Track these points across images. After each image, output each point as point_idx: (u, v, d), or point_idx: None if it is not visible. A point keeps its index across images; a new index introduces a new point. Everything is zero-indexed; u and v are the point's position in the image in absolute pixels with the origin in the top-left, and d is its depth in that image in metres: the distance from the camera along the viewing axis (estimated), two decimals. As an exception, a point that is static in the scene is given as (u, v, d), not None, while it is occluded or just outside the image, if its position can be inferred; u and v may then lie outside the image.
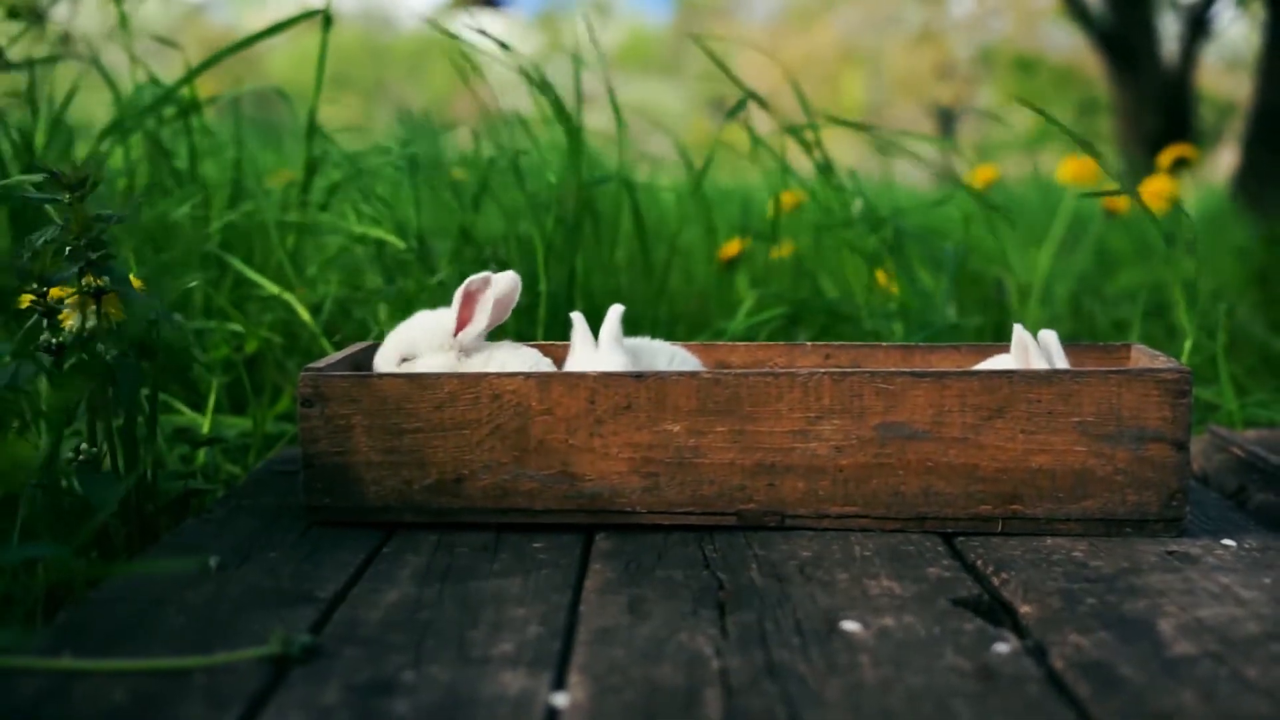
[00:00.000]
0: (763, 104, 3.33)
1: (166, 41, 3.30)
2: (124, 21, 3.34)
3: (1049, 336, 2.08)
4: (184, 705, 1.28)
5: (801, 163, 3.64)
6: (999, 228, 3.69)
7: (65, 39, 3.27)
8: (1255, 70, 10.31)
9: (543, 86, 3.20)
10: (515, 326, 3.09)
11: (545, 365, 2.17)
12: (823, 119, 3.40)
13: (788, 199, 3.79)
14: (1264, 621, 1.52)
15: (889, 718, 1.26)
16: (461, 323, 2.14)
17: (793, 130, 3.35)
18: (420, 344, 2.15)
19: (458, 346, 2.14)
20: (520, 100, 3.49)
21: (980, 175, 4.24)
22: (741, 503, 1.93)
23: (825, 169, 3.40)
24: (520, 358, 2.16)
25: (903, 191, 6.44)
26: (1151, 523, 1.90)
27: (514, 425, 1.94)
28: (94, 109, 3.52)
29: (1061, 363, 2.06)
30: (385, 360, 2.16)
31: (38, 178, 1.95)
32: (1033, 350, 2.02)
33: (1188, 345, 2.71)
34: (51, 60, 3.18)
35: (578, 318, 2.21)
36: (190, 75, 3.03)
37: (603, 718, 1.26)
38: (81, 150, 3.23)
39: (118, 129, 3.12)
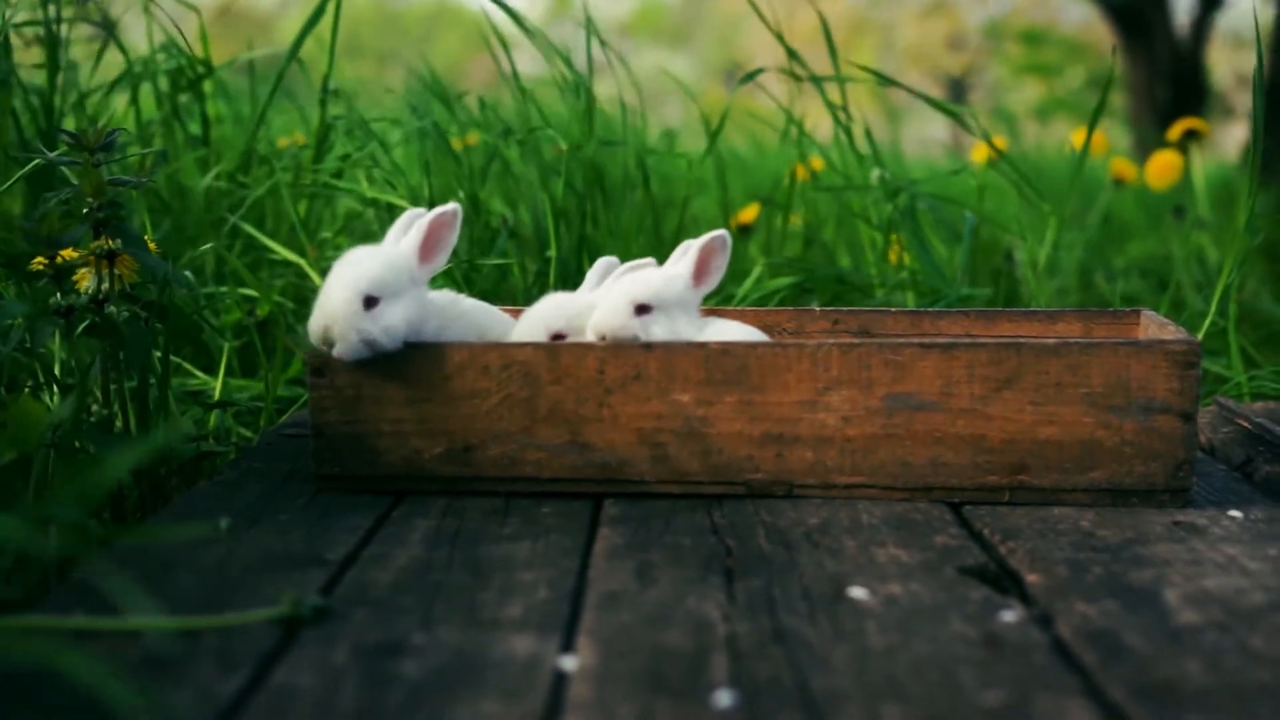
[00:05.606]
0: (793, 54, 3.31)
1: (183, 2, 3.30)
2: None
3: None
4: (195, 665, 1.30)
5: (819, 124, 3.63)
6: (1014, 198, 3.68)
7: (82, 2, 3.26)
8: (1266, 44, 10.25)
9: (556, 51, 3.20)
10: (526, 292, 3.09)
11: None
12: (848, 71, 3.39)
13: (803, 166, 3.78)
14: (1269, 592, 1.53)
15: (895, 684, 1.26)
16: (424, 256, 1.99)
17: (816, 83, 3.34)
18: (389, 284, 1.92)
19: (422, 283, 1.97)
20: (529, 66, 3.49)
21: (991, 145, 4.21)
22: (750, 473, 1.94)
23: (847, 130, 3.39)
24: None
25: (913, 161, 6.42)
26: (1158, 493, 1.90)
27: (523, 395, 1.94)
28: (112, 73, 3.52)
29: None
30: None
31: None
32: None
33: (1206, 323, 2.71)
34: (71, 20, 3.17)
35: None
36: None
37: (610, 681, 1.27)
38: (94, 109, 3.23)
39: (131, 86, 3.13)
